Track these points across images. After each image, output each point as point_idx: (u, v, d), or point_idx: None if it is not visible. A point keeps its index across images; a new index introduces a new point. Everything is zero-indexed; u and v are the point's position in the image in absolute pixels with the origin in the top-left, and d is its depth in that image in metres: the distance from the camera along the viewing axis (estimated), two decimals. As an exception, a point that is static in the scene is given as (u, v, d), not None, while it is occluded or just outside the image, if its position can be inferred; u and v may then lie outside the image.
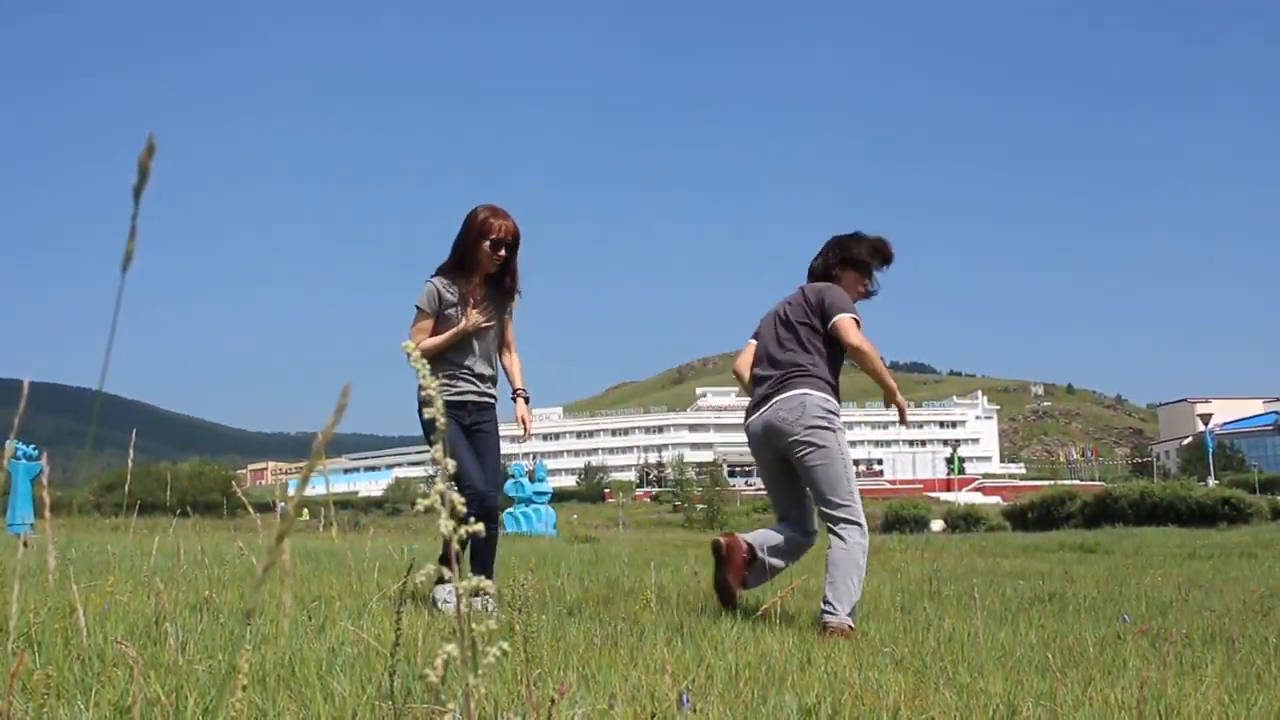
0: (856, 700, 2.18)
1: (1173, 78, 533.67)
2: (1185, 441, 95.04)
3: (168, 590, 3.31)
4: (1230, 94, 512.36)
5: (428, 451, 0.83)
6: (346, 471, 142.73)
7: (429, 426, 3.70)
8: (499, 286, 4.13)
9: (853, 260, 4.08)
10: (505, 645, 0.76)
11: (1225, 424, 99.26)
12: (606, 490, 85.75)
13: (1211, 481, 41.01)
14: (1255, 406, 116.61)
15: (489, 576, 4.06)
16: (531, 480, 22.04)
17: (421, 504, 0.77)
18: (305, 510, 23.40)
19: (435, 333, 4.02)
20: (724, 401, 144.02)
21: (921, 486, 79.44)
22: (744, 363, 4.17)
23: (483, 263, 4.03)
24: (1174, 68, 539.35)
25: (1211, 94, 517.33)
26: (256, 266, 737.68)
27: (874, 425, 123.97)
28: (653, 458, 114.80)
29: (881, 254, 4.12)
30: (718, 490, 47.15)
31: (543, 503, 21.70)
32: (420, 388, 4.02)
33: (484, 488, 3.93)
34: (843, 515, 3.72)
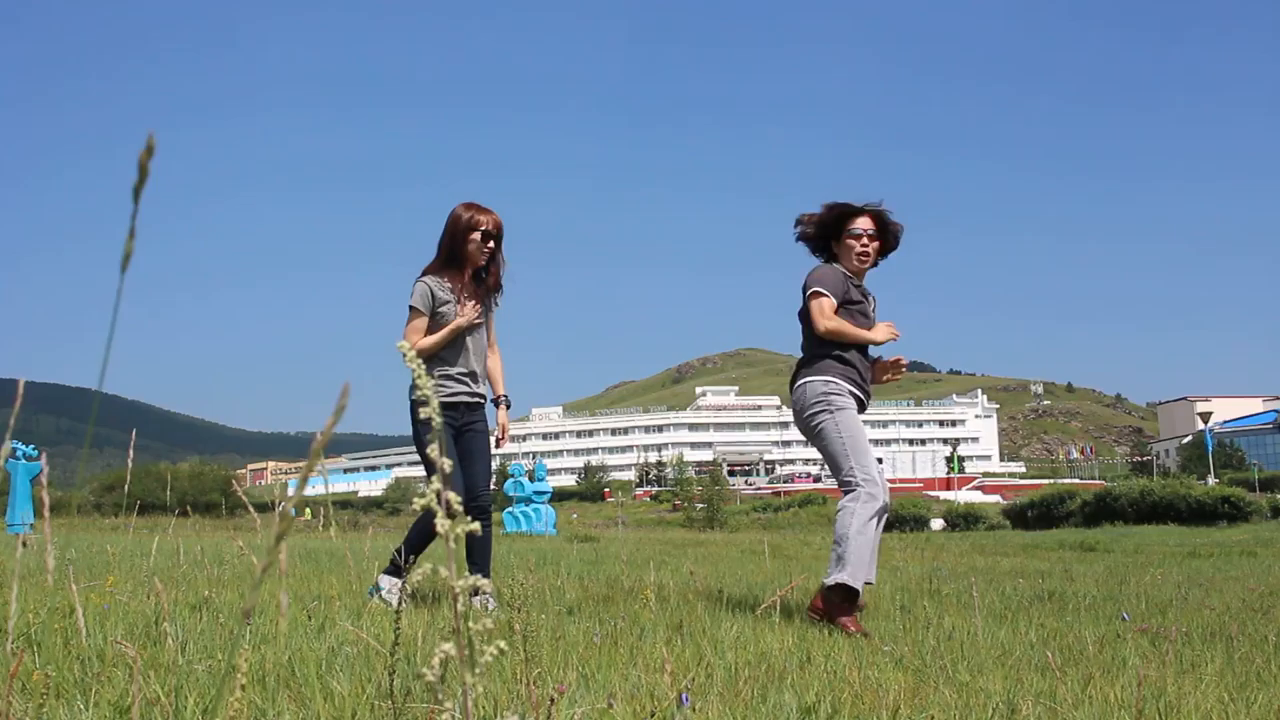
0: (856, 699, 2.18)
1: (1173, 75, 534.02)
2: (1185, 440, 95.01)
3: (167, 590, 3.31)
4: (1230, 92, 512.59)
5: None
6: (346, 471, 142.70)
7: (422, 428, 3.77)
8: (485, 282, 4.17)
9: (828, 232, 4.06)
10: (503, 644, 0.76)
11: (1225, 422, 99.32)
12: (606, 490, 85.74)
13: (1211, 480, 41.02)
14: (1255, 405, 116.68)
15: (486, 575, 4.07)
16: (531, 480, 22.01)
17: (419, 503, 0.77)
18: (308, 510, 23.40)
19: (430, 332, 4.04)
20: (723, 401, 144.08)
21: (921, 485, 79.34)
22: None
23: (473, 256, 4.06)
24: (1174, 65, 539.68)
25: (1212, 92, 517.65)
26: (257, 266, 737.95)
27: (874, 424, 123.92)
28: (652, 457, 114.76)
29: (837, 208, 4.04)
30: (717, 489, 47.08)
31: (542, 502, 21.67)
32: (413, 388, 4.06)
33: (463, 495, 3.95)
34: (844, 482, 3.79)
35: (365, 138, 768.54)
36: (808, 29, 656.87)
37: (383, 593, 3.83)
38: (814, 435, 3.88)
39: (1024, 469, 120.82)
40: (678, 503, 57.22)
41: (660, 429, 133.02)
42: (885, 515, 3.79)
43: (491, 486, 4.37)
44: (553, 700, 1.48)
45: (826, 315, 3.85)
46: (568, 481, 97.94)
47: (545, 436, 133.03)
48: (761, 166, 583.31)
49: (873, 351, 4.11)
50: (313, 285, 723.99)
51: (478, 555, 4.04)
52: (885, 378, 4.12)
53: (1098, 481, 57.14)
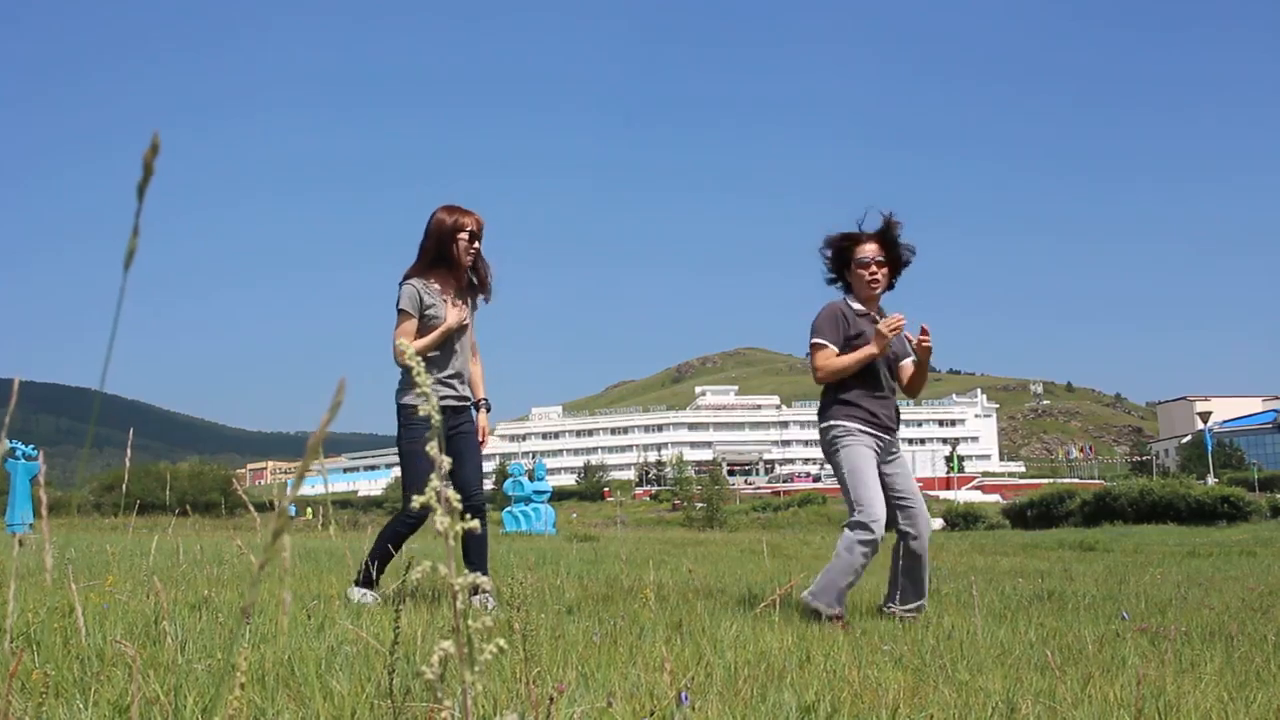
0: (856, 698, 2.18)
1: (1173, 76, 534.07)
2: (1185, 440, 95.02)
3: (167, 590, 3.31)
4: (1231, 92, 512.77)
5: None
6: (346, 470, 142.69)
7: (409, 431, 3.80)
8: (468, 284, 4.19)
9: (840, 264, 4.14)
10: (502, 642, 0.76)
11: (1224, 422, 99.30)
12: (606, 489, 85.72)
13: (1211, 480, 41.06)
14: (1254, 405, 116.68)
15: (484, 574, 4.08)
16: (531, 479, 22.02)
17: (417, 501, 0.77)
18: (309, 510, 23.39)
19: (417, 335, 4.04)
20: (723, 400, 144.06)
21: (921, 485, 78.94)
22: None
23: (460, 257, 4.07)
24: (1174, 65, 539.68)
25: (1212, 92, 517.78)
26: (257, 266, 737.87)
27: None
28: (652, 456, 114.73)
29: (839, 241, 4.11)
30: (717, 489, 47.13)
31: (542, 501, 21.68)
32: (400, 391, 4.06)
33: (428, 509, 3.98)
34: (849, 515, 3.94)
35: (365, 138, 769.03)
36: (808, 29, 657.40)
37: (354, 604, 3.79)
38: (833, 473, 4.12)
39: (1023, 468, 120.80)
40: (677, 502, 57.25)
41: (660, 428, 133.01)
42: (875, 549, 3.85)
43: (484, 486, 4.40)
44: (552, 699, 1.48)
45: (820, 367, 4.03)
46: (567, 481, 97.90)
47: (545, 436, 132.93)
48: (761, 166, 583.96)
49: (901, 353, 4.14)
50: (312, 285, 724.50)
51: (474, 554, 4.06)
52: (924, 351, 4.08)
53: (1097, 481, 57.14)
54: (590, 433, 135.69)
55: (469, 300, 4.20)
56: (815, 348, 4.04)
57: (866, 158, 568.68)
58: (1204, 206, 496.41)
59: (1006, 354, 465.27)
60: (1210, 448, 55.90)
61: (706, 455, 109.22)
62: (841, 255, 4.10)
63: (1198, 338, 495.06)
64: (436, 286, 4.07)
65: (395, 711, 1.65)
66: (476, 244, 4.11)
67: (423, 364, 0.78)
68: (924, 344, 4.02)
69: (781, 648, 2.86)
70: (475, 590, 0.73)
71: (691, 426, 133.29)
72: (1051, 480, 63.52)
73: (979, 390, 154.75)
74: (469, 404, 4.20)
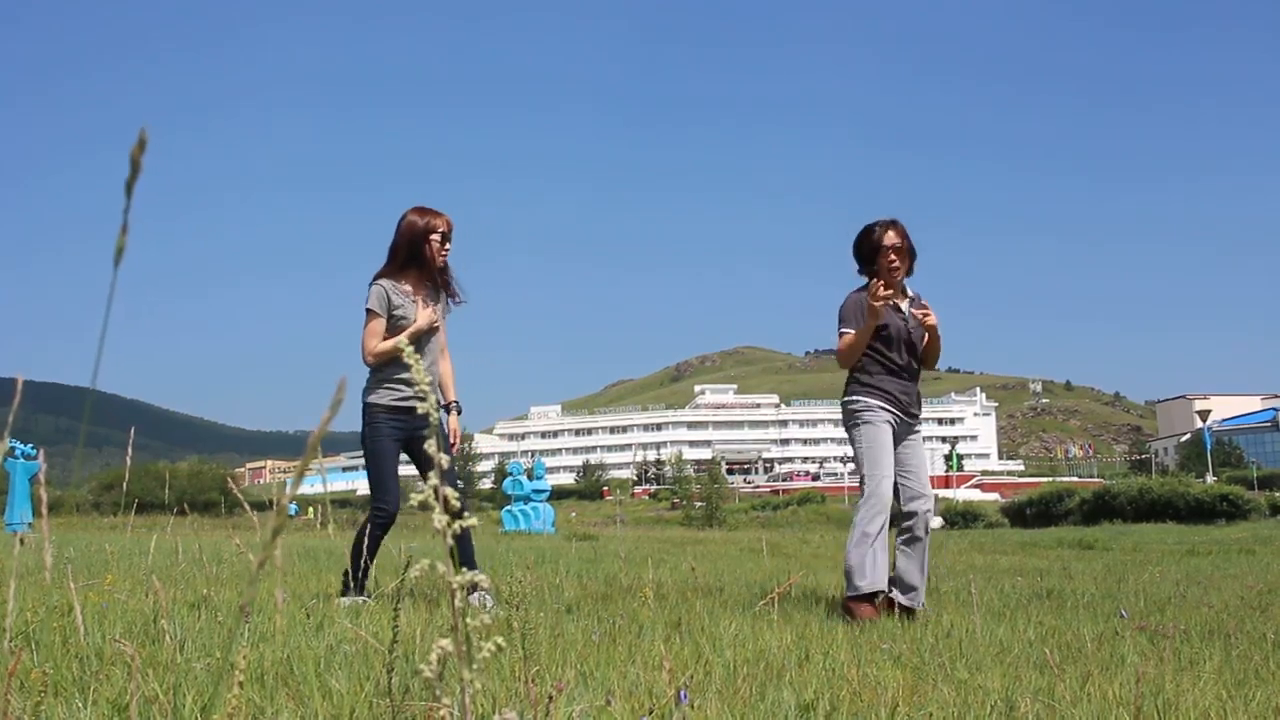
0: (855, 697, 2.18)
1: (1173, 76, 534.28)
2: (1184, 438, 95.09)
3: (165, 589, 3.31)
4: (1231, 92, 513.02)
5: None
6: (345, 470, 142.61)
7: (372, 431, 3.80)
8: (437, 286, 4.20)
9: (870, 257, 4.28)
10: (500, 640, 0.76)
11: (1224, 421, 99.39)
12: (605, 488, 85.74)
13: (1210, 478, 41.07)
14: (1253, 403, 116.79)
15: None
16: (530, 478, 22.03)
17: (415, 499, 0.77)
18: (310, 509, 23.38)
19: (387, 335, 4.04)
20: (722, 399, 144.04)
21: (921, 483, 79.17)
22: None
23: (432, 258, 4.09)
24: (1175, 65, 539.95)
25: (1212, 92, 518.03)
26: (256, 265, 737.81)
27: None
28: (651, 455, 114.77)
29: (858, 246, 4.32)
30: (716, 488, 47.18)
31: (541, 500, 21.70)
32: (367, 390, 4.04)
33: (396, 507, 3.99)
34: (862, 492, 4.14)
35: (365, 137, 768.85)
36: (808, 29, 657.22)
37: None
38: (851, 446, 4.27)
39: (1022, 467, 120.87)
40: (676, 501, 57.33)
41: (659, 427, 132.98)
42: (887, 522, 4.03)
43: (456, 485, 4.41)
44: (551, 698, 1.48)
45: (841, 351, 4.26)
46: (566, 480, 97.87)
47: (544, 435, 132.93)
48: (761, 166, 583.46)
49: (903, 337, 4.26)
50: (312, 284, 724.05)
51: (462, 552, 4.06)
52: (928, 325, 4.29)
53: (1096, 480, 57.19)
54: (589, 432, 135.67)
55: (440, 301, 4.22)
56: (840, 336, 4.25)
57: (866, 158, 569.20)
58: (1204, 206, 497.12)
59: (1006, 352, 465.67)
60: (1209, 446, 55.93)
61: (705, 454, 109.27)
62: (863, 247, 4.29)
63: (1197, 336, 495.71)
64: (407, 288, 4.08)
65: (394, 710, 1.65)
66: (448, 245, 4.14)
67: (422, 362, 0.77)
68: (928, 321, 4.27)
69: (781, 646, 2.86)
70: (473, 588, 0.73)
71: (690, 425, 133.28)
72: (1050, 479, 63.62)
73: (978, 389, 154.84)
74: (440, 406, 4.20)
